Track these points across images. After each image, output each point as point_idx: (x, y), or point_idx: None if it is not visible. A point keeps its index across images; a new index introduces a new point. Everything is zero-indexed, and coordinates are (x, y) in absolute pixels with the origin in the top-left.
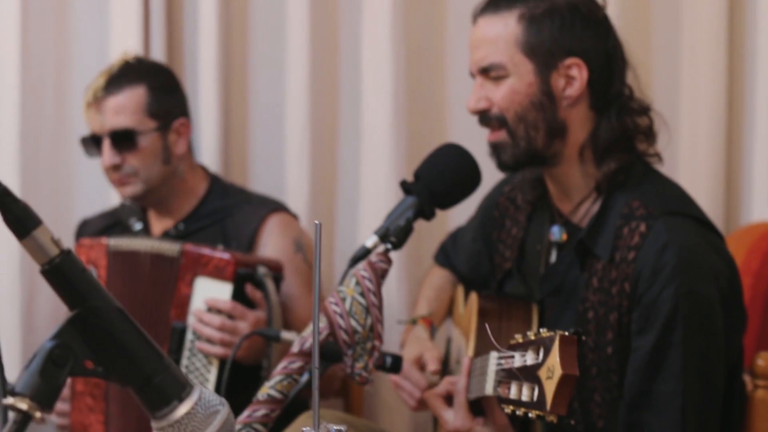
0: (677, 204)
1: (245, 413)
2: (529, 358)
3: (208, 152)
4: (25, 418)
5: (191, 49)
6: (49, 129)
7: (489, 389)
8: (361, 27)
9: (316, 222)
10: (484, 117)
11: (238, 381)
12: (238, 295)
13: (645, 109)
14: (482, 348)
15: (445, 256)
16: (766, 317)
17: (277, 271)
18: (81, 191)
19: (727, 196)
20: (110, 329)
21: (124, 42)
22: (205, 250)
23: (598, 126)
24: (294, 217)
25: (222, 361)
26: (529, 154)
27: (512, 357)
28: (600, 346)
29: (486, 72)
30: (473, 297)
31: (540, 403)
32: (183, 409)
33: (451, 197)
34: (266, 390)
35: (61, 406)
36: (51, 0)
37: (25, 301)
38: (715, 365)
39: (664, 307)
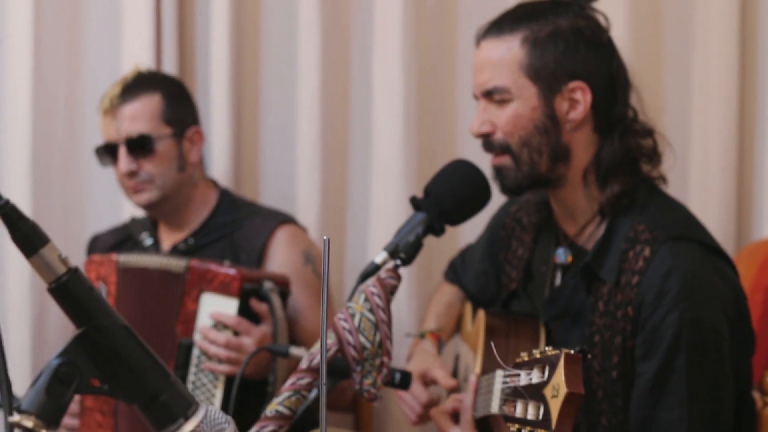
0: (682, 228)
1: (253, 429)
2: (535, 377)
3: (219, 166)
4: None
5: (203, 64)
6: (61, 144)
7: (495, 407)
8: (372, 43)
9: (325, 238)
10: (487, 142)
11: (245, 396)
12: (244, 311)
13: (649, 132)
14: (489, 366)
15: (454, 273)
16: None
17: (283, 285)
18: (92, 206)
19: (739, 212)
20: (116, 347)
21: (136, 57)
22: (211, 266)
23: (601, 149)
24: (303, 229)
25: (229, 377)
26: (533, 177)
27: (518, 375)
28: (606, 369)
29: (490, 95)
30: (481, 314)
31: (545, 422)
32: (188, 427)
33: (461, 214)
34: (274, 406)
35: (70, 421)
36: (63, 14)
37: (35, 317)
38: (722, 391)
39: (668, 332)
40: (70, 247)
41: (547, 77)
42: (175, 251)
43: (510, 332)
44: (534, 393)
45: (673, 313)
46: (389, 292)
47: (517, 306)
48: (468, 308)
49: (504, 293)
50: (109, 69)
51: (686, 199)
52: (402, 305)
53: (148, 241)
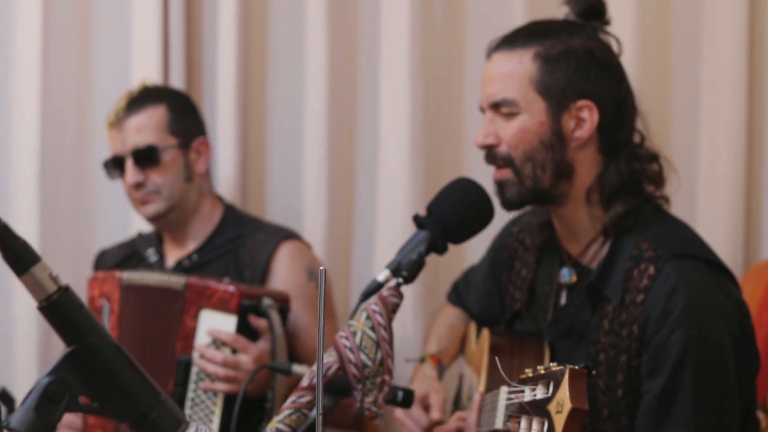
0: (687, 246)
1: None
2: (539, 392)
3: (225, 182)
4: None
5: (210, 78)
6: (70, 159)
7: (499, 424)
8: (379, 57)
9: (322, 268)
10: (491, 154)
11: (244, 413)
12: (243, 328)
13: (654, 157)
14: (493, 384)
15: (457, 295)
16: None
17: (283, 302)
18: (101, 221)
19: (747, 233)
20: (107, 365)
21: (145, 70)
22: (210, 283)
23: (606, 170)
24: (307, 245)
25: (228, 395)
26: (535, 192)
27: (522, 391)
28: (611, 388)
29: (497, 107)
30: (485, 333)
31: None
32: None
33: (464, 232)
34: (275, 424)
35: None
36: (72, 31)
37: (42, 333)
38: (727, 408)
39: (674, 349)
40: (79, 262)
41: (556, 94)
42: (180, 267)
43: (514, 351)
44: (538, 409)
45: (679, 331)
46: (391, 310)
47: (520, 326)
48: (472, 328)
49: (507, 314)
50: (117, 83)
51: (694, 219)
52: (408, 323)
53: (153, 258)
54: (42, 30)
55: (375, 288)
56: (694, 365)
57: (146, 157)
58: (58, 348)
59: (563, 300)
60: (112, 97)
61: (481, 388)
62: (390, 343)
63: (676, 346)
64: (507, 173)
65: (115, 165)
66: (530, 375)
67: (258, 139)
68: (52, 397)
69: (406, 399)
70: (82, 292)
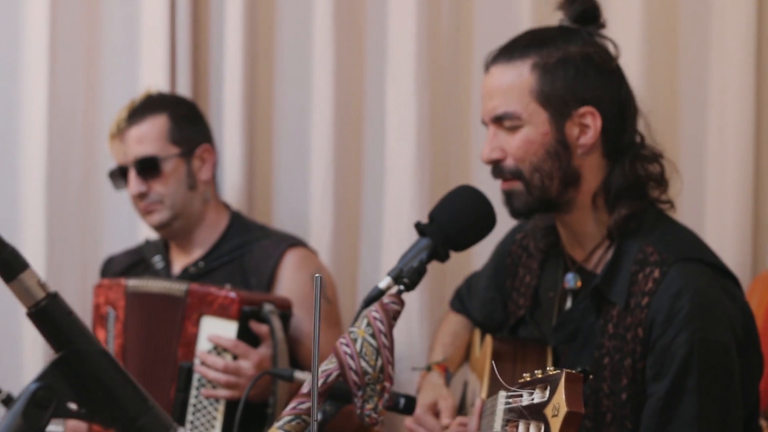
0: (691, 250)
1: None
2: (537, 397)
3: (232, 189)
4: None
5: (216, 86)
6: (77, 166)
7: (497, 428)
8: (386, 65)
9: (317, 275)
10: (498, 168)
11: (245, 418)
12: (244, 333)
13: (656, 156)
14: (495, 390)
15: (460, 302)
16: None
17: (284, 308)
18: (108, 228)
19: (755, 240)
20: (94, 372)
21: (152, 81)
22: (211, 289)
23: (610, 173)
24: (313, 252)
25: (229, 401)
26: (543, 201)
27: (520, 396)
28: (615, 392)
29: (500, 121)
30: (488, 339)
31: None
32: None
33: (466, 239)
34: (275, 430)
35: None
36: (79, 38)
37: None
38: (731, 412)
39: (679, 352)
40: (86, 269)
41: (557, 103)
42: (186, 274)
43: (517, 357)
44: (535, 413)
45: (684, 334)
46: (392, 317)
47: (524, 332)
48: (476, 335)
49: (511, 320)
50: (125, 91)
51: (702, 227)
52: (414, 329)
53: (159, 265)
54: (50, 38)
55: (376, 295)
56: (698, 368)
57: (148, 168)
58: None
59: (568, 305)
60: (120, 104)
61: (484, 393)
62: (390, 350)
63: (681, 348)
64: (516, 184)
65: (120, 175)
66: (528, 379)
67: (264, 145)
68: (40, 402)
69: (408, 406)
70: (88, 300)
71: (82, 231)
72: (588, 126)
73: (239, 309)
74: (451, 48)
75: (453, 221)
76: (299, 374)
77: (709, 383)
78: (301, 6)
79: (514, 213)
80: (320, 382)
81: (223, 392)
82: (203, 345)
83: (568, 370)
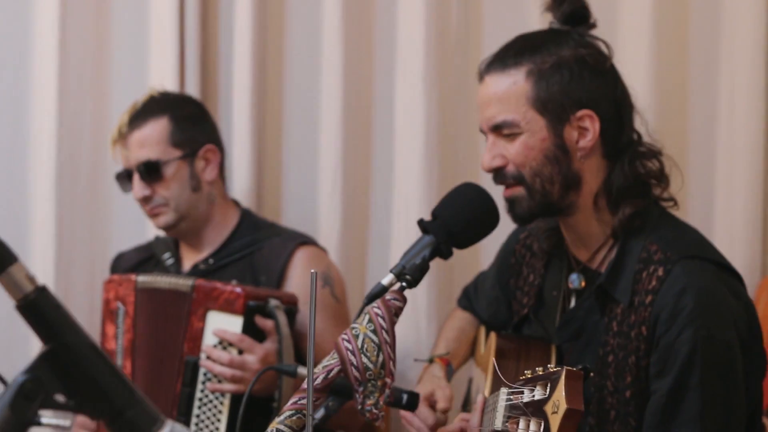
0: (695, 248)
1: None
2: (537, 393)
3: (241, 188)
4: None
5: (225, 86)
6: (86, 165)
7: (498, 424)
8: (395, 64)
9: (313, 271)
10: (499, 174)
11: (251, 413)
12: (249, 328)
13: (655, 153)
14: (498, 386)
15: (467, 299)
16: None
17: (290, 304)
18: (117, 226)
19: (765, 242)
20: (82, 364)
21: (160, 80)
22: (217, 285)
23: (611, 174)
24: (323, 250)
25: (235, 394)
26: (544, 206)
27: (521, 392)
28: (619, 389)
29: (498, 129)
30: (492, 337)
31: None
32: None
33: (469, 237)
34: (275, 425)
35: None
36: (89, 37)
37: None
38: (735, 409)
39: (682, 349)
40: (95, 266)
41: (554, 108)
42: (196, 271)
43: (521, 354)
44: (536, 409)
45: (688, 331)
46: (394, 313)
47: (528, 331)
48: (482, 332)
49: (515, 319)
50: (133, 90)
51: (711, 228)
52: (422, 327)
53: (169, 261)
54: (59, 37)
55: (379, 291)
56: (702, 365)
57: (150, 172)
58: None
59: (572, 305)
60: (128, 102)
61: (486, 390)
62: (392, 346)
63: (685, 346)
64: (518, 190)
65: (126, 178)
66: (529, 376)
67: (273, 144)
68: (28, 395)
69: (411, 402)
70: (96, 294)
71: (90, 227)
72: (587, 129)
73: (244, 304)
74: (460, 47)
75: (456, 218)
76: (302, 370)
77: (713, 380)
78: (310, 5)
79: (517, 219)
80: (321, 377)
81: (228, 386)
82: (209, 340)
83: (569, 368)
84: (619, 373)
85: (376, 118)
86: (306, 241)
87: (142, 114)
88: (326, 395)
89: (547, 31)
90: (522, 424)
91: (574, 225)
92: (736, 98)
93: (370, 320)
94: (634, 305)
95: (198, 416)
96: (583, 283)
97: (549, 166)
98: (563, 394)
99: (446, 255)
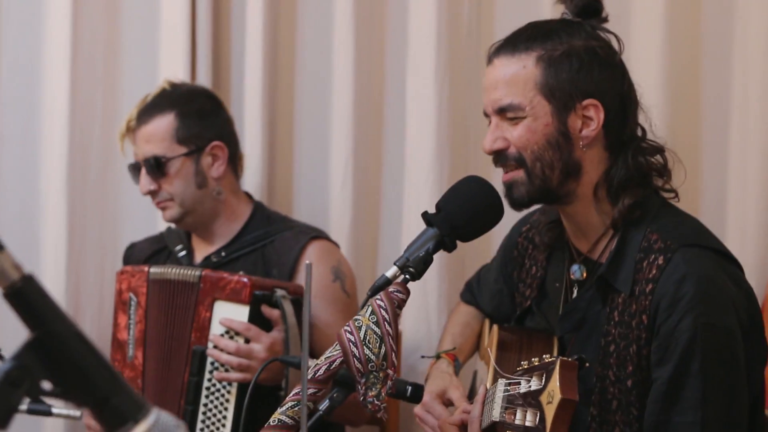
0: (695, 236)
1: None
2: (533, 384)
3: (252, 182)
4: None
5: (237, 79)
6: (97, 157)
7: (496, 415)
8: (406, 58)
9: (307, 262)
10: (501, 156)
11: (258, 402)
12: (255, 318)
13: (658, 149)
14: (499, 378)
15: (470, 294)
16: None
17: (297, 294)
18: (128, 218)
19: None
20: (68, 352)
21: (172, 73)
22: (224, 275)
23: (612, 166)
24: (335, 245)
25: (242, 383)
26: (543, 191)
27: (519, 383)
28: (621, 379)
29: (503, 112)
30: (494, 329)
31: (541, 428)
32: (138, 430)
33: (473, 229)
34: (278, 415)
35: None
36: (100, 30)
37: None
38: (736, 396)
39: (683, 337)
40: (106, 257)
41: (561, 95)
42: (207, 263)
43: (523, 346)
44: (531, 399)
45: (688, 318)
46: (396, 305)
47: (531, 323)
48: (487, 325)
49: (518, 311)
50: (145, 82)
51: (723, 228)
52: (433, 320)
53: (181, 253)
54: (71, 30)
55: (383, 283)
56: (703, 352)
57: (155, 167)
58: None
59: (574, 295)
60: (140, 95)
61: (488, 382)
62: (394, 338)
63: (685, 333)
64: (518, 174)
65: (136, 171)
66: (526, 367)
67: (285, 138)
68: (14, 382)
69: (415, 394)
70: (107, 284)
71: (101, 218)
72: (591, 118)
73: (251, 293)
74: (471, 40)
75: (460, 211)
76: (308, 361)
77: (713, 367)
78: None
79: (513, 203)
80: (324, 368)
81: (235, 375)
82: (216, 329)
83: (563, 358)
84: (620, 362)
85: (387, 112)
86: (318, 235)
87: (149, 109)
88: (330, 387)
89: (560, 20)
90: (519, 414)
91: (573, 215)
92: (749, 94)
93: (372, 312)
94: (635, 294)
95: (206, 405)
96: (584, 274)
97: (550, 151)
98: (557, 384)
99: (450, 248)
